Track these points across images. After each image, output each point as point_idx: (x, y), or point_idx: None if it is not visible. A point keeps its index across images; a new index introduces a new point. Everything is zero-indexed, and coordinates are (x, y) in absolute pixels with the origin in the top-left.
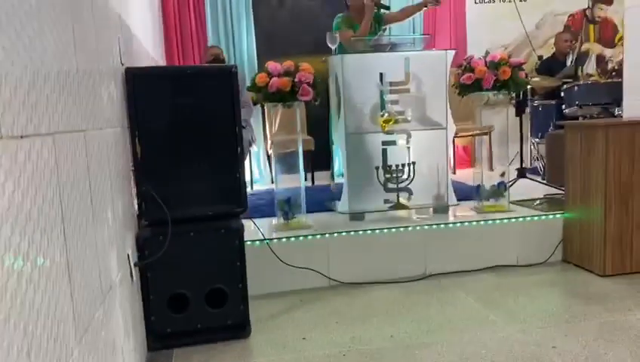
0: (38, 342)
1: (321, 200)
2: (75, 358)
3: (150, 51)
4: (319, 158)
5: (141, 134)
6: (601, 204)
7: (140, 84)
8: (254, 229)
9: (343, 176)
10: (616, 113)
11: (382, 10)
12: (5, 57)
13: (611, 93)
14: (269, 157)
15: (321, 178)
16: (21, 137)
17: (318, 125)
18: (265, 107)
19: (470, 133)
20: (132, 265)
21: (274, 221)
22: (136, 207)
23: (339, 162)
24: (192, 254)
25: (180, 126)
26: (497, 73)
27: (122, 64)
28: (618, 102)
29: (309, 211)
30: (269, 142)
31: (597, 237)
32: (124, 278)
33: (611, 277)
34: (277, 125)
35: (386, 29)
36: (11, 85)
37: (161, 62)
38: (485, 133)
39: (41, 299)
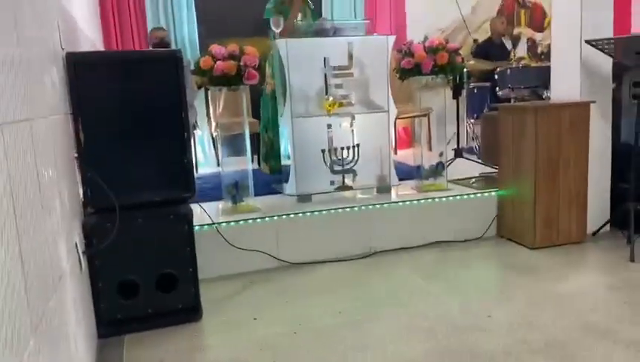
0: None
1: (268, 183)
2: (32, 348)
3: (89, 35)
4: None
5: (84, 120)
6: (531, 181)
7: (81, 70)
8: (202, 213)
9: (289, 158)
10: (544, 95)
11: None
12: None
13: (540, 76)
14: (213, 140)
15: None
16: None
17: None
18: (209, 92)
19: (410, 115)
20: (80, 253)
21: (222, 205)
22: (81, 194)
23: (284, 145)
24: (141, 240)
25: (124, 111)
26: (435, 58)
27: (63, 49)
28: (546, 84)
29: (256, 194)
30: (214, 124)
31: (527, 212)
32: (73, 267)
33: (540, 250)
34: (221, 107)
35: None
36: None
37: (99, 45)
38: (424, 115)
39: None
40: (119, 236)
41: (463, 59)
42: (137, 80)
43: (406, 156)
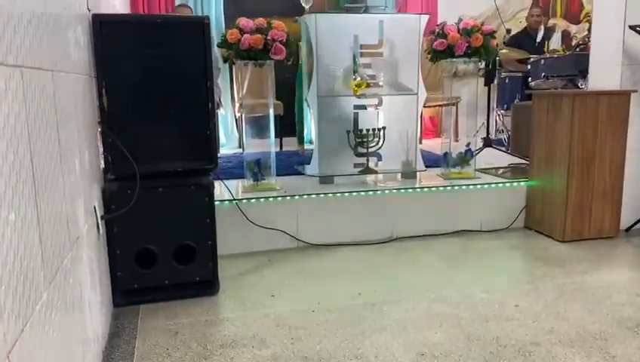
0: (8, 281)
1: (290, 165)
2: (44, 301)
3: (116, 5)
4: (286, 124)
5: (108, 84)
6: (565, 171)
7: (107, 32)
8: (223, 190)
9: (311, 143)
10: (581, 85)
11: None
12: None
13: (577, 65)
14: (236, 120)
15: (289, 144)
16: None
17: (284, 90)
18: (234, 69)
19: (437, 104)
20: (99, 217)
21: (242, 183)
22: (102, 160)
23: (308, 127)
24: (161, 210)
25: (149, 77)
26: (470, 40)
27: (89, 10)
28: (583, 74)
29: (278, 175)
30: (237, 105)
31: (559, 203)
32: (90, 230)
33: (570, 243)
34: (245, 88)
35: None
36: None
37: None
38: (452, 104)
39: (10, 239)
40: (139, 204)
41: (497, 43)
42: (164, 45)
43: (431, 146)
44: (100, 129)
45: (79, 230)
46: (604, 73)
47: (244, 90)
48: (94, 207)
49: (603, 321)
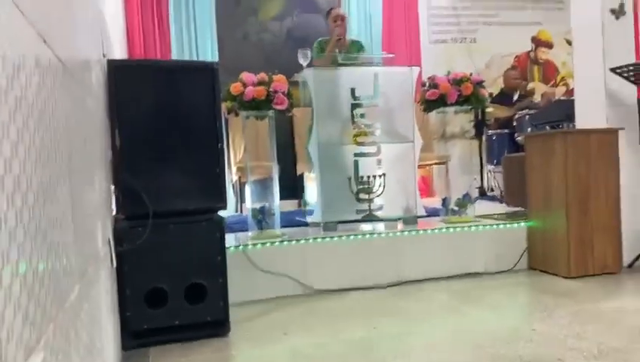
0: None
1: (291, 220)
2: (76, 293)
3: (115, 52)
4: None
5: (121, 126)
6: (563, 209)
7: (121, 76)
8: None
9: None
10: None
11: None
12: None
13: (562, 110)
14: (232, 185)
15: (285, 206)
16: None
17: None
18: (229, 133)
19: (428, 163)
20: (113, 250)
21: (246, 234)
22: (113, 200)
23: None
24: (171, 247)
25: (160, 119)
26: (460, 89)
27: (104, 55)
28: (570, 118)
29: (281, 226)
30: (234, 168)
31: (561, 241)
32: (105, 259)
33: (576, 279)
34: (242, 151)
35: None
36: None
37: None
38: (443, 163)
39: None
40: (149, 243)
41: (486, 92)
42: (174, 89)
43: (426, 202)
44: (111, 169)
45: (99, 250)
46: (590, 114)
47: (241, 155)
48: (109, 239)
49: (623, 338)
